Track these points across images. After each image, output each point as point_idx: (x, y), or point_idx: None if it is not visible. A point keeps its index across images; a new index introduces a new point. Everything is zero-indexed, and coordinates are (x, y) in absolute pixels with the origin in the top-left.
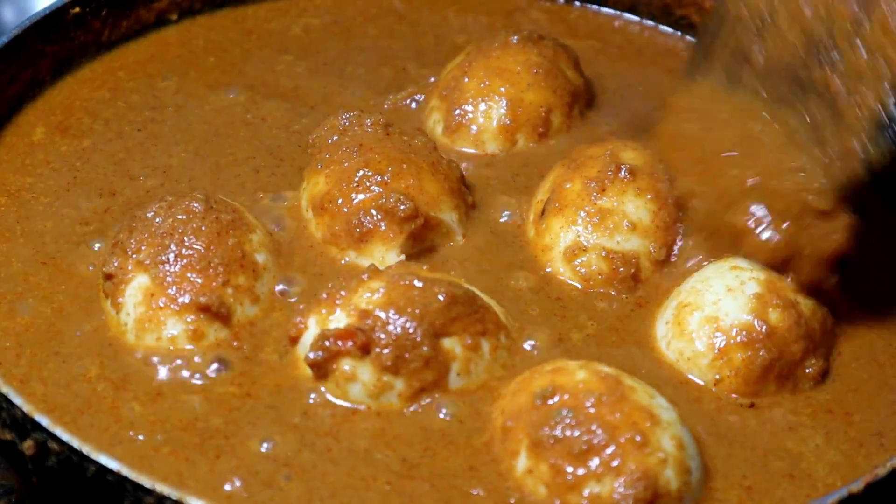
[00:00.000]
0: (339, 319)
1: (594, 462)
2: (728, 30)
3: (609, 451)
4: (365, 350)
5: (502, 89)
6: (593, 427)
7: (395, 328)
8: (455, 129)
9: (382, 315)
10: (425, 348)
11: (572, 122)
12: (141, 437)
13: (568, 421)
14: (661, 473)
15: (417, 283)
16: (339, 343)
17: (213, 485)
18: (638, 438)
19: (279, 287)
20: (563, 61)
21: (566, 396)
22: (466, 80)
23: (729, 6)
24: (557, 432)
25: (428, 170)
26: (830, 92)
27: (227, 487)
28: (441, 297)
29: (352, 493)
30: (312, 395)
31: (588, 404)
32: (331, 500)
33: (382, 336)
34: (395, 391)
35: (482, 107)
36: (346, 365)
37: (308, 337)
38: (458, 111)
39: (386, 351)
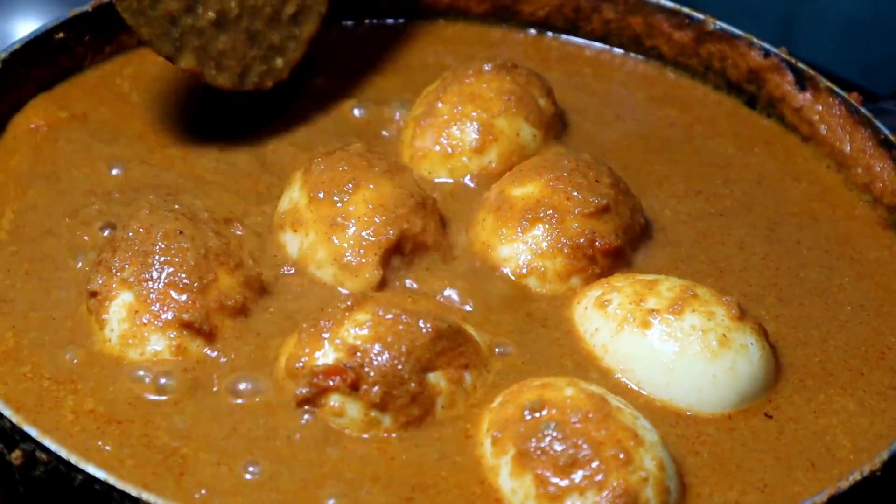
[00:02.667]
0: (328, 355)
1: (578, 475)
2: None
3: (593, 465)
4: (354, 387)
5: (474, 114)
6: (579, 442)
7: (384, 365)
8: (427, 151)
9: (371, 352)
10: (413, 384)
11: (544, 149)
12: (108, 448)
13: (555, 434)
14: (641, 492)
15: (404, 318)
16: (330, 381)
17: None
18: (622, 456)
19: (263, 307)
20: (536, 89)
21: (554, 411)
22: (440, 104)
23: None
24: (544, 444)
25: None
26: None
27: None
28: (427, 332)
29: None
30: (295, 418)
31: (575, 420)
32: None
33: (371, 373)
34: (383, 427)
35: (454, 131)
36: (334, 400)
37: (293, 367)
38: (430, 134)
39: (375, 388)
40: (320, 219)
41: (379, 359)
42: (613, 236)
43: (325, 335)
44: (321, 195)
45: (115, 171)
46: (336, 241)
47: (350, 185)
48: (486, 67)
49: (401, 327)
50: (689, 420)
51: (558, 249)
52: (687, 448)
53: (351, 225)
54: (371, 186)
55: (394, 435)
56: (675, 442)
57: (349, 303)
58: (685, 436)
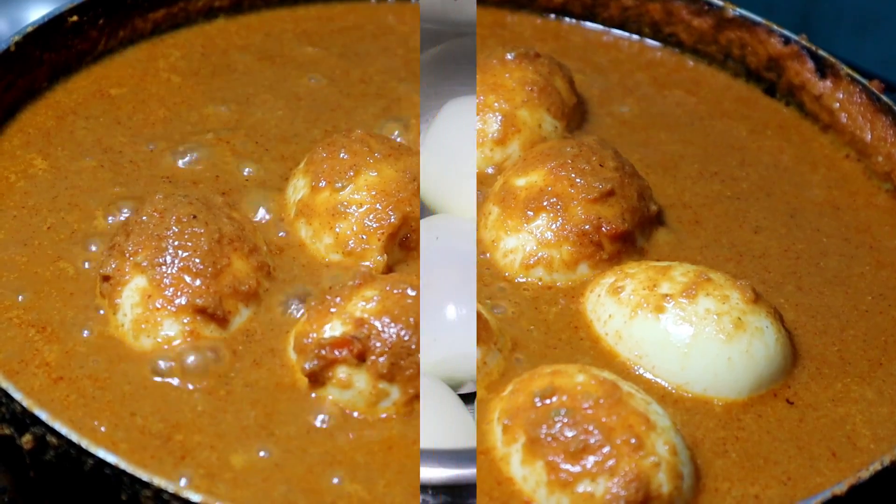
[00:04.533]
0: (335, 328)
1: (589, 461)
2: None
3: (605, 451)
4: (361, 358)
5: (497, 105)
6: (590, 427)
7: (391, 336)
8: None
9: (377, 323)
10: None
11: (565, 138)
12: (104, 431)
13: (566, 420)
14: (653, 477)
15: (411, 292)
16: (336, 352)
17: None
18: (633, 441)
19: (276, 292)
20: (559, 79)
21: (564, 397)
22: None
23: None
24: (555, 431)
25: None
26: None
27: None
28: None
29: None
30: (306, 402)
31: (586, 406)
32: None
33: (378, 344)
34: (391, 399)
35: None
36: (341, 373)
37: (302, 343)
38: None
39: (382, 359)
40: (323, 207)
41: (386, 330)
42: (620, 220)
43: (333, 310)
44: (322, 184)
45: (127, 156)
46: (339, 229)
47: (351, 172)
48: (509, 56)
49: (409, 301)
50: (705, 405)
51: (564, 237)
52: (704, 435)
53: (353, 212)
54: (372, 173)
55: (402, 416)
56: (689, 428)
57: (357, 280)
58: (700, 422)
